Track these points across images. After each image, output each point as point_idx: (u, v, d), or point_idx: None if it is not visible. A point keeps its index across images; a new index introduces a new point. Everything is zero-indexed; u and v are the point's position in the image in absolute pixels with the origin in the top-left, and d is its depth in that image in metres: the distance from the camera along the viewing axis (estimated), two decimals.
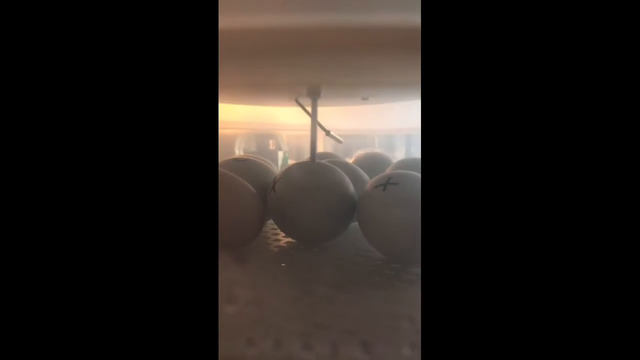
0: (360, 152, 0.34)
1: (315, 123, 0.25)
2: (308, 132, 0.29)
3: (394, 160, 0.33)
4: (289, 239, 0.28)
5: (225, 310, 0.16)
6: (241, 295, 0.17)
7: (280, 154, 0.36)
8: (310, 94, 0.23)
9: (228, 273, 0.19)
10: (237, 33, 0.14)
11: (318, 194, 0.25)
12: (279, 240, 0.28)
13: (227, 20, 0.13)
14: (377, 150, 0.36)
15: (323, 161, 0.28)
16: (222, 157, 0.30)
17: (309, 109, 0.29)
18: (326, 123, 0.31)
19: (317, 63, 0.15)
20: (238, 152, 0.37)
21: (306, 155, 0.28)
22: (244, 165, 0.28)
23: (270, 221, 0.31)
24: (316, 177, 0.26)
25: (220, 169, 0.26)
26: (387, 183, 0.24)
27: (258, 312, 0.16)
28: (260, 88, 0.21)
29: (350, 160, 0.34)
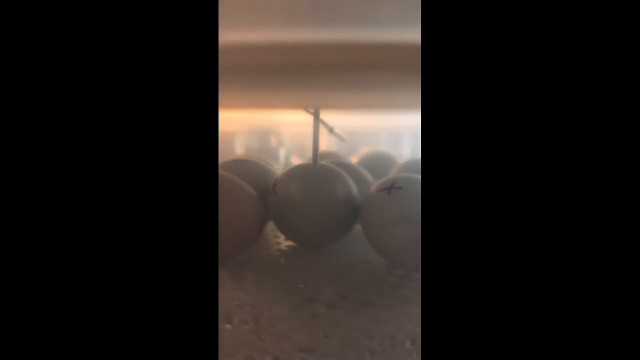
0: (364, 151, 0.34)
1: (317, 124, 0.24)
2: (311, 129, 0.28)
3: (400, 159, 0.32)
4: (290, 243, 0.27)
5: (224, 328, 0.16)
6: (239, 312, 0.16)
7: (282, 151, 0.35)
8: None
9: (226, 290, 0.19)
10: (234, 50, 0.13)
11: (320, 196, 0.24)
12: (279, 243, 0.27)
13: (225, 37, 0.12)
14: (383, 148, 0.35)
15: (325, 162, 0.28)
16: (222, 154, 0.29)
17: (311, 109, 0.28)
18: (330, 120, 0.31)
19: (315, 82, 0.14)
20: (239, 150, 0.36)
21: (309, 153, 0.27)
22: (244, 166, 0.27)
23: (271, 223, 0.30)
24: (318, 179, 0.25)
25: (219, 170, 0.25)
26: (392, 187, 0.23)
27: (257, 329, 0.16)
28: (258, 107, 0.20)
29: (354, 159, 0.33)
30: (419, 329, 0.16)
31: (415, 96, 0.12)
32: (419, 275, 0.23)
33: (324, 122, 0.30)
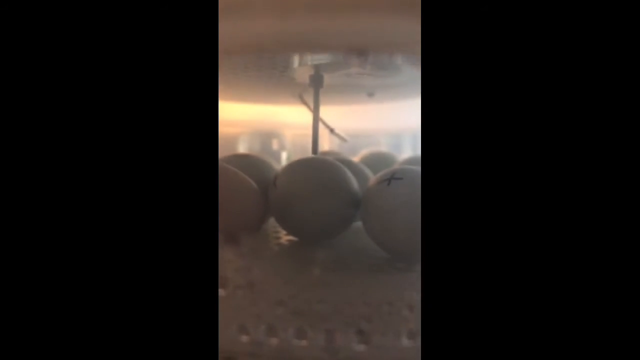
0: (365, 152, 0.34)
1: (317, 115, 0.24)
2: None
3: (400, 159, 0.32)
4: (290, 237, 0.27)
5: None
6: (233, 278, 0.16)
7: (284, 154, 0.36)
8: (313, 83, 0.23)
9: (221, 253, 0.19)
10: None
11: (320, 188, 0.24)
12: (279, 238, 0.27)
13: None
14: (384, 149, 0.35)
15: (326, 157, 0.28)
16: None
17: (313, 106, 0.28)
18: (331, 122, 0.31)
19: (314, 24, 0.15)
20: (242, 151, 0.37)
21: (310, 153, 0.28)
22: (245, 161, 0.27)
23: (272, 220, 0.30)
24: (318, 171, 0.25)
25: (220, 162, 0.25)
26: (392, 178, 0.23)
27: (250, 296, 0.15)
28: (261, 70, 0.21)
29: (356, 159, 0.33)
30: (417, 296, 0.15)
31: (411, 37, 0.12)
32: (418, 267, 0.23)
33: (325, 122, 0.30)
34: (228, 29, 0.13)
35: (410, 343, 0.15)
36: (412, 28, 0.12)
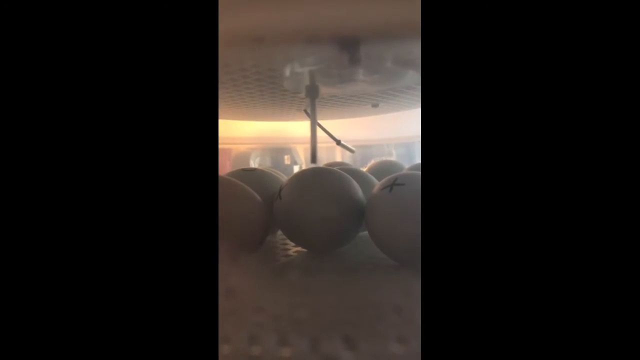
0: (374, 161, 0.34)
1: (315, 124, 0.24)
2: (324, 145, 0.29)
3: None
4: (298, 249, 0.27)
5: None
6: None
7: (296, 168, 0.36)
8: (309, 93, 0.23)
9: None
10: None
11: (324, 198, 0.24)
12: (287, 249, 0.27)
13: None
14: (394, 159, 0.35)
15: (332, 167, 0.28)
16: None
17: (319, 120, 0.28)
18: (340, 133, 0.31)
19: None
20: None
21: None
22: (252, 175, 0.28)
23: (280, 232, 0.30)
24: (322, 181, 0.25)
25: (225, 176, 0.26)
26: (394, 184, 0.23)
27: (231, 304, 0.15)
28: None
29: (364, 170, 0.33)
30: (405, 299, 0.15)
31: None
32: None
33: (331, 134, 0.30)
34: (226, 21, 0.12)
35: (401, 349, 0.14)
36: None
